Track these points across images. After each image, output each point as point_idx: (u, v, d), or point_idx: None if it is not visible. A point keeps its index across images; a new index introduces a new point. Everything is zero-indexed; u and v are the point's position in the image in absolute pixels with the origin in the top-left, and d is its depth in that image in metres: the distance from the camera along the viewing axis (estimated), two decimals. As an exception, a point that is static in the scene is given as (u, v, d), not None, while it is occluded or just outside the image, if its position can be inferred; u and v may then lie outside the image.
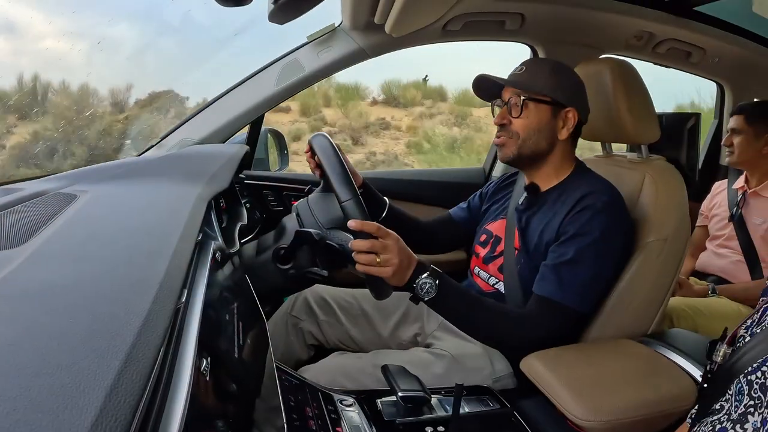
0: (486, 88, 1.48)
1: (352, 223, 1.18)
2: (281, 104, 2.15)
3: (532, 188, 1.46)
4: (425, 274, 1.21)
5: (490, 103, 1.52)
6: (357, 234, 1.19)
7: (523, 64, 1.44)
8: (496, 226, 1.56)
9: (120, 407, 0.38)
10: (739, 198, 2.32)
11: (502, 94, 1.46)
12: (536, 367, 1.23)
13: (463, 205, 1.79)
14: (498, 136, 1.45)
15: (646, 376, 1.22)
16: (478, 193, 1.77)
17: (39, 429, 0.33)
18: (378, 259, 1.17)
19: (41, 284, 0.55)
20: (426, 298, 1.22)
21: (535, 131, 1.39)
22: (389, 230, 1.20)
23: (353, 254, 1.19)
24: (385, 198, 1.65)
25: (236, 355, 0.82)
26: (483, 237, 1.59)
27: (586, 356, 1.32)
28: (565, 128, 1.40)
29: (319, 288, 1.68)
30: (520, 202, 1.49)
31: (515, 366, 1.35)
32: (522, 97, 1.38)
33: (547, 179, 1.46)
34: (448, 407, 1.15)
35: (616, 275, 1.37)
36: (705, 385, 0.89)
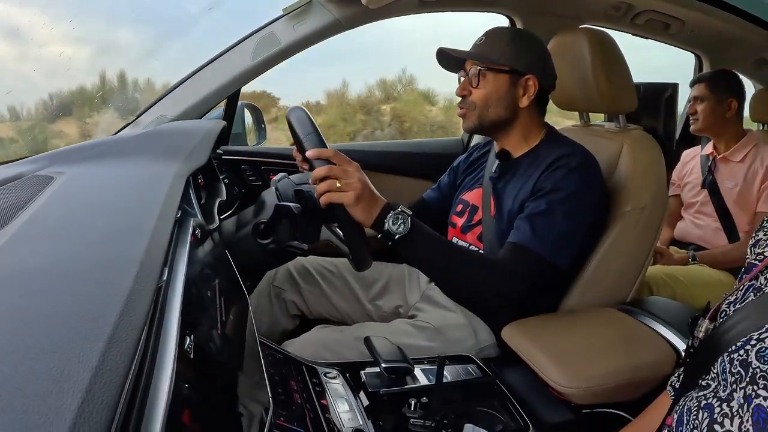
0: (450, 60, 1.49)
1: (309, 153, 1.19)
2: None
3: (503, 155, 1.48)
4: (396, 211, 1.20)
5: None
6: (317, 165, 1.19)
7: (484, 34, 1.45)
8: (472, 195, 1.57)
9: (106, 388, 0.38)
10: (709, 163, 2.36)
11: (464, 66, 1.47)
12: (517, 335, 1.26)
13: (435, 186, 1.80)
14: (460, 107, 1.47)
15: (626, 343, 1.25)
16: (448, 170, 1.78)
17: (26, 414, 0.33)
18: (338, 184, 1.16)
19: (20, 268, 0.54)
20: (396, 236, 1.20)
21: (494, 100, 1.42)
22: (348, 158, 1.21)
23: (316, 186, 1.19)
24: None
25: (219, 332, 0.82)
26: (459, 207, 1.60)
27: (566, 324, 1.35)
28: (526, 96, 1.42)
29: (302, 258, 1.68)
30: (493, 170, 1.50)
31: (498, 336, 1.37)
32: (479, 68, 1.40)
33: (517, 146, 1.48)
34: (431, 377, 1.16)
35: (592, 241, 1.40)
36: (687, 360, 0.91)
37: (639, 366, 1.19)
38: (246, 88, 2.05)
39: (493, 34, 1.46)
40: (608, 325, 1.33)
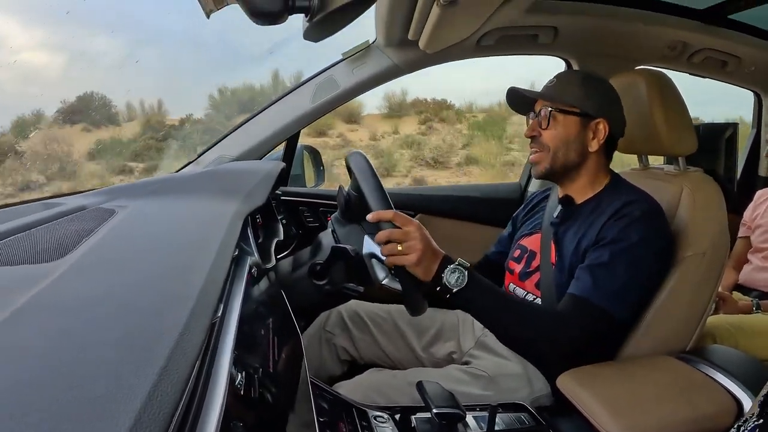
0: (520, 101, 1.48)
1: (369, 216, 1.20)
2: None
3: (566, 200, 1.45)
4: (453, 264, 1.20)
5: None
6: (378, 227, 1.20)
7: (555, 76, 1.44)
8: (530, 241, 1.54)
9: (154, 419, 0.38)
10: None
11: (534, 107, 1.45)
12: (572, 383, 1.21)
13: (496, 243, 1.78)
14: (532, 151, 1.45)
15: (684, 394, 1.19)
16: (509, 223, 1.76)
17: (72, 440, 0.33)
18: (400, 247, 1.17)
19: (78, 297, 0.55)
20: (455, 289, 1.20)
21: (564, 143, 1.39)
22: (409, 217, 1.21)
23: (380, 248, 1.20)
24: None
25: (271, 370, 0.82)
26: (517, 252, 1.57)
27: (623, 373, 1.29)
28: (596, 140, 1.39)
29: (354, 303, 1.68)
30: (555, 216, 1.47)
31: (553, 385, 1.32)
32: (550, 109, 1.38)
33: (581, 191, 1.44)
34: (483, 424, 1.13)
35: (652, 288, 1.34)
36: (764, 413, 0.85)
37: (698, 418, 1.13)
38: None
39: (564, 77, 1.45)
40: (666, 374, 1.27)
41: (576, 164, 1.42)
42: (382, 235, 1.19)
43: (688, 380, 1.24)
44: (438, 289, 1.22)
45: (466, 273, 1.21)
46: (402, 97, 13.16)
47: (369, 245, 1.29)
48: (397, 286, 1.24)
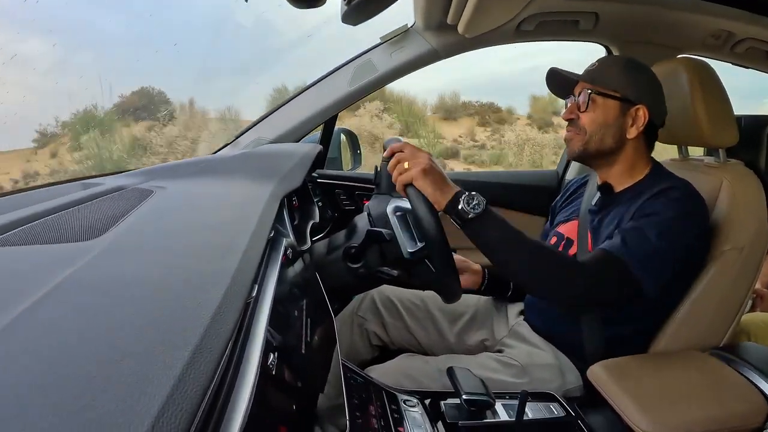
0: (559, 83, 1.46)
1: (385, 154, 1.23)
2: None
3: (605, 188, 1.42)
4: (469, 193, 1.18)
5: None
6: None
7: (597, 60, 1.41)
8: (567, 228, 1.52)
9: (186, 396, 0.39)
10: None
11: (574, 91, 1.43)
12: (603, 375, 1.20)
13: (542, 235, 1.73)
14: (567, 130, 1.43)
15: (716, 391, 1.17)
16: (549, 212, 1.74)
17: (105, 415, 0.34)
18: (406, 165, 1.18)
19: (114, 276, 0.57)
20: (470, 214, 1.16)
21: (602, 126, 1.36)
22: (419, 149, 1.22)
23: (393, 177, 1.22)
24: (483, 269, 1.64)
25: (303, 351, 0.83)
26: (553, 239, 1.54)
27: (654, 367, 1.27)
28: (635, 126, 1.35)
29: (386, 289, 1.68)
30: (593, 203, 1.45)
31: (585, 378, 1.30)
32: (589, 91, 1.36)
33: (620, 179, 1.41)
34: (512, 412, 1.13)
35: (687, 279, 1.32)
36: None
37: (728, 416, 1.11)
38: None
39: (606, 61, 1.42)
40: (698, 370, 1.24)
41: (612, 150, 1.38)
42: (392, 162, 1.21)
43: (720, 377, 1.22)
44: (453, 215, 1.19)
45: (484, 201, 1.18)
46: (455, 99, 12.96)
47: (393, 203, 1.31)
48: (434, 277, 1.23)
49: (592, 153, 1.39)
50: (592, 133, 1.37)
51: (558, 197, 1.72)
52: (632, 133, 1.36)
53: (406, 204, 1.28)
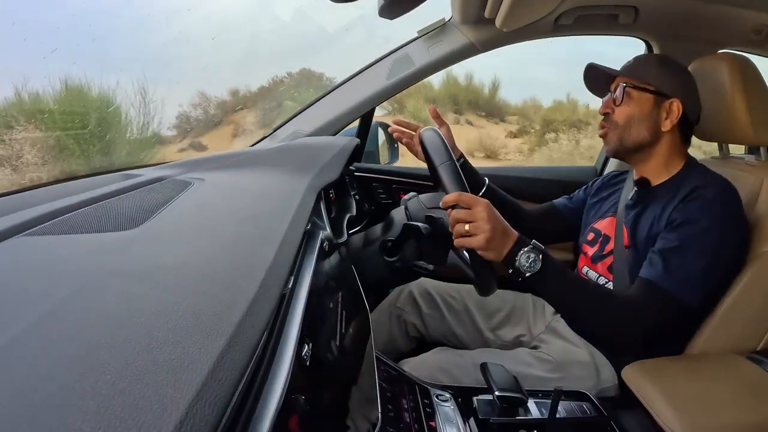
0: (596, 80, 1.47)
1: (441, 203, 1.18)
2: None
3: (641, 183, 1.41)
4: (527, 248, 1.15)
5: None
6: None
7: (633, 57, 1.43)
8: (604, 224, 1.50)
9: (221, 385, 0.39)
10: None
11: (610, 87, 1.44)
12: (637, 376, 1.18)
13: (568, 196, 1.75)
14: (601, 126, 1.43)
15: (752, 396, 1.13)
16: (584, 186, 1.73)
17: (140, 400, 0.35)
18: (467, 227, 1.13)
19: (153, 264, 0.58)
20: (528, 273, 1.15)
21: (636, 120, 1.36)
22: (477, 197, 1.16)
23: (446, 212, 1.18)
24: (484, 178, 1.65)
25: (338, 343, 0.83)
26: (591, 235, 1.53)
27: (689, 369, 1.24)
28: (669, 120, 1.35)
29: (425, 281, 1.68)
30: (630, 198, 1.43)
31: (620, 376, 1.29)
32: (624, 85, 1.36)
33: (656, 173, 1.40)
34: (544, 410, 1.11)
35: (726, 279, 1.28)
36: None
37: (764, 422, 1.07)
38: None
39: (642, 57, 1.43)
40: (735, 374, 1.21)
41: (648, 143, 1.38)
42: (450, 218, 1.16)
43: (757, 382, 1.18)
44: (510, 271, 1.18)
45: (541, 256, 1.16)
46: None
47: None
48: (469, 271, 1.22)
49: (629, 147, 1.39)
50: (626, 126, 1.38)
51: (597, 178, 1.71)
52: (666, 126, 1.35)
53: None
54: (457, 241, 1.15)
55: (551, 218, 1.72)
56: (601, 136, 1.45)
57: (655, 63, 1.40)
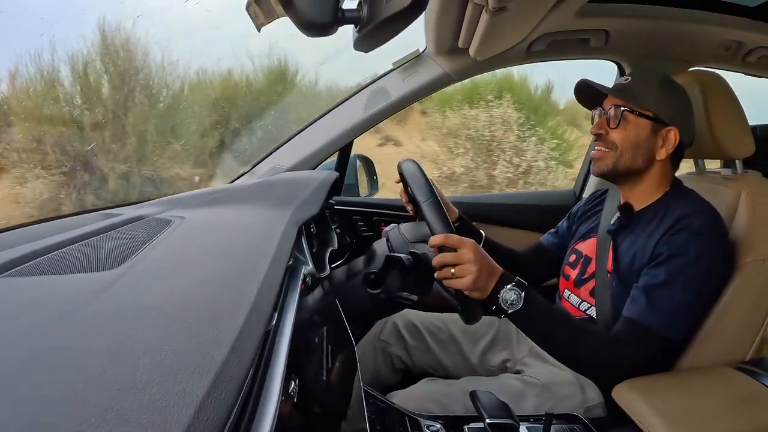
0: (588, 94, 1.43)
1: (430, 244, 1.18)
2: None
3: (625, 208, 1.40)
4: (510, 285, 1.16)
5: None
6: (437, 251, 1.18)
7: (629, 74, 1.40)
8: (586, 246, 1.51)
9: (208, 424, 0.39)
10: None
11: (603, 103, 1.40)
12: (628, 395, 1.18)
13: (553, 230, 1.75)
14: (596, 148, 1.40)
15: (743, 406, 1.14)
16: (567, 215, 1.73)
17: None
18: (452, 270, 1.14)
19: (135, 303, 0.57)
20: (510, 311, 1.16)
21: (632, 145, 1.33)
22: (463, 238, 1.16)
23: (436, 273, 1.18)
24: (481, 231, 1.64)
25: (324, 378, 0.83)
26: (572, 257, 1.53)
27: (680, 384, 1.25)
28: (664, 148, 1.33)
29: (409, 313, 1.68)
30: (612, 222, 1.43)
31: (607, 395, 1.28)
32: (622, 108, 1.33)
33: (641, 198, 1.39)
34: (537, 436, 1.11)
35: (710, 304, 1.29)
36: None
37: (758, 430, 1.09)
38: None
39: (641, 76, 1.39)
40: (725, 385, 1.22)
41: (640, 170, 1.36)
42: (436, 260, 1.17)
43: (748, 392, 1.19)
44: (493, 308, 1.18)
45: (523, 294, 1.16)
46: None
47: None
48: (454, 300, 1.23)
49: (621, 171, 1.37)
50: (623, 151, 1.35)
51: (579, 203, 1.71)
52: (661, 154, 1.34)
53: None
54: (445, 283, 1.16)
55: (541, 257, 1.72)
56: (593, 158, 1.42)
57: (655, 85, 1.35)
